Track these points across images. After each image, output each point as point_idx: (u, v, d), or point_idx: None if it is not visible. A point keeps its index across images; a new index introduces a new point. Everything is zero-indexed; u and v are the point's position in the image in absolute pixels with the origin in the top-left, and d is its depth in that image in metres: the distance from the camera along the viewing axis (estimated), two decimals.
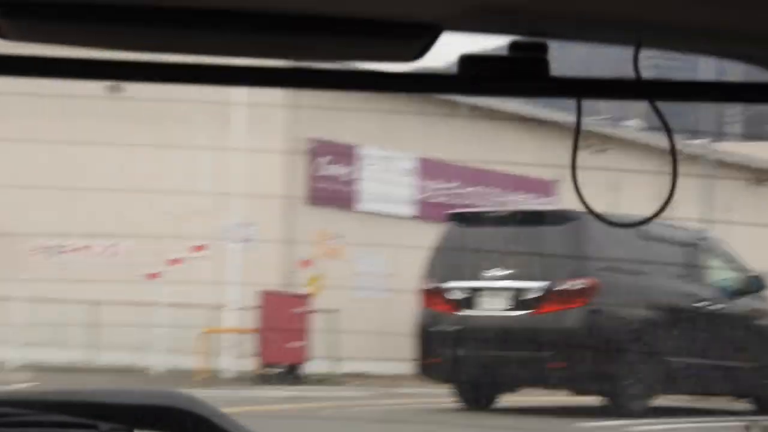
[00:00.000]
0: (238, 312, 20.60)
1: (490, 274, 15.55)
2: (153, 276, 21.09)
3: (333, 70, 1.20)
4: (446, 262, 15.65)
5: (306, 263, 21.59)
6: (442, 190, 23.60)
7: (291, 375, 19.60)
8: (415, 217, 22.79)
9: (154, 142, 19.99)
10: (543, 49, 1.23)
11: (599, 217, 1.43)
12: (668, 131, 1.36)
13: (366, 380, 20.37)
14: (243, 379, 19.54)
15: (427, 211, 22.27)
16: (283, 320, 19.49)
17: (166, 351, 20.29)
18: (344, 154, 22.27)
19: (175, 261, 21.41)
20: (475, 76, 1.22)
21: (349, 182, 22.45)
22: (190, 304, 20.19)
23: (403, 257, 20.39)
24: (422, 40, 1.21)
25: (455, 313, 15.53)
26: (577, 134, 1.35)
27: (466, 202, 22.20)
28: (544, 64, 1.22)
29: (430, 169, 23.40)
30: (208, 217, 21.16)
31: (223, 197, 20.68)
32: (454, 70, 1.21)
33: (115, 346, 20.81)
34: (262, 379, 19.36)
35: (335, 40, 1.20)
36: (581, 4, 1.20)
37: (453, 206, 19.11)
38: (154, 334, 20.43)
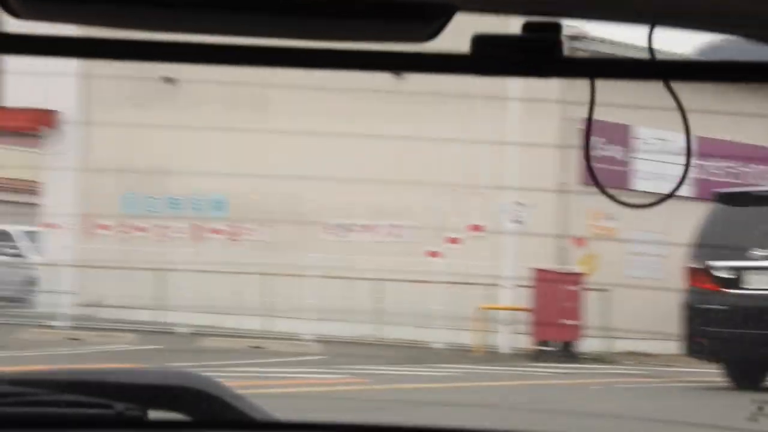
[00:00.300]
0: (513, 290, 21.13)
1: (758, 254, 15.51)
2: (433, 254, 21.96)
3: (343, 50, 1.20)
4: (713, 240, 15.71)
5: (579, 241, 21.91)
6: (719, 170, 23.38)
7: (565, 352, 19.97)
8: (690, 198, 22.73)
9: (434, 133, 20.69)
10: (557, 29, 1.22)
11: (612, 197, 1.41)
12: (682, 111, 1.35)
13: (639, 359, 20.55)
14: (519, 356, 20.08)
15: (703, 191, 22.18)
16: (556, 298, 19.89)
17: (446, 327, 21.01)
18: (618, 134, 22.42)
19: (454, 240, 22.23)
20: (487, 56, 1.21)
21: (623, 162, 22.59)
22: (467, 281, 20.86)
23: (677, 237, 20.44)
24: (436, 20, 1.21)
25: (722, 291, 15.57)
26: (590, 115, 1.35)
27: (743, 181, 21.94)
28: (557, 44, 1.21)
29: (707, 148, 23.24)
30: (485, 198, 21.84)
31: (498, 178, 21.24)
32: (467, 50, 1.21)
33: (399, 321, 21.71)
34: (537, 356, 19.83)
35: (348, 22, 1.20)
36: None
37: (728, 185, 19.00)
38: (434, 310, 21.19)
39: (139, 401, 1.89)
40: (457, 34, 1.35)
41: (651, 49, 1.27)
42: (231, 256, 23.09)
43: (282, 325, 21.69)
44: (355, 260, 21.75)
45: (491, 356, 19.94)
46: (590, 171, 1.35)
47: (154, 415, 1.91)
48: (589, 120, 1.36)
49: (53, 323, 22.44)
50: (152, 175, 24.20)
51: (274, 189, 22.81)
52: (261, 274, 22.34)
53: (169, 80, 23.57)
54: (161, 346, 20.05)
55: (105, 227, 25.14)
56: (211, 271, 22.15)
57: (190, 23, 1.20)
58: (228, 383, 2.01)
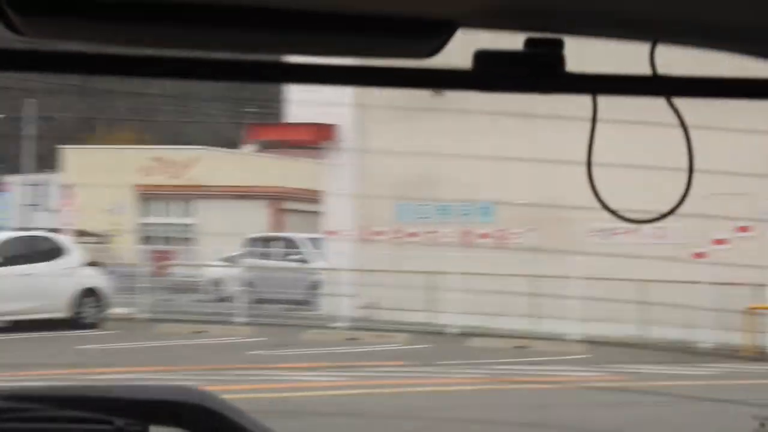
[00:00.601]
0: None
1: None
2: (699, 256, 21.93)
3: (346, 66, 1.20)
4: None
5: None
6: None
7: None
8: None
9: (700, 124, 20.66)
10: (559, 45, 1.22)
11: (614, 213, 1.42)
12: (684, 128, 1.34)
13: None
14: None
15: None
16: None
17: (713, 327, 20.90)
18: None
19: (721, 241, 22.14)
20: (490, 72, 1.21)
21: None
22: (735, 282, 20.70)
23: None
24: (437, 37, 1.21)
25: None
26: (593, 130, 1.35)
27: None
28: (559, 60, 1.22)
29: None
30: (752, 199, 21.64)
31: (765, 179, 20.97)
32: (469, 65, 1.22)
33: (664, 322, 21.72)
34: None
35: (350, 37, 1.20)
36: (597, 1, 1.19)
37: None
38: (701, 311, 21.10)
39: (139, 417, 1.89)
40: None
41: (653, 66, 1.27)
42: (498, 259, 23.72)
43: (548, 326, 22.13)
44: (620, 263, 21.93)
45: (760, 356, 19.76)
46: (593, 187, 1.37)
47: (154, 430, 1.92)
48: (592, 136, 1.36)
49: (334, 324, 23.74)
50: (423, 183, 25.16)
51: (539, 194, 23.33)
52: (527, 276, 22.85)
53: (436, 92, 24.44)
54: (431, 345, 20.95)
55: (380, 234, 26.27)
56: (480, 274, 22.78)
57: (196, 40, 1.21)
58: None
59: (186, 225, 44.45)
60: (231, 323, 24.23)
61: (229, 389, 12.58)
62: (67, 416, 1.89)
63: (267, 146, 35.02)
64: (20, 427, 1.88)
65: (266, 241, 33.88)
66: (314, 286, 28.29)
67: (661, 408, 13.16)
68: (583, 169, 1.39)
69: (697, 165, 1.27)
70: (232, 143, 50.60)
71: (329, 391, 14.19)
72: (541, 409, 12.79)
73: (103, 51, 1.19)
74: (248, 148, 44.32)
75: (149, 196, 45.54)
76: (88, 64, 1.18)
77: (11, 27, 1.18)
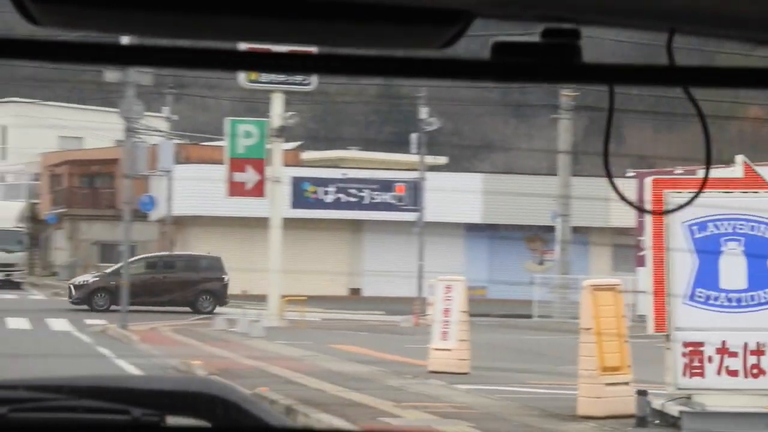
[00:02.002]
0: None
1: None
2: None
3: (363, 56, 1.19)
4: None
5: None
6: None
7: None
8: None
9: None
10: (575, 35, 1.21)
11: (632, 204, 1.48)
12: (702, 118, 1.33)
13: None
14: None
15: None
16: None
17: None
18: None
19: None
20: (507, 63, 1.20)
21: None
22: None
23: None
24: (454, 27, 1.21)
25: None
26: (610, 121, 1.34)
27: None
28: (576, 50, 1.21)
29: None
30: None
31: None
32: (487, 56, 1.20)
33: None
34: None
35: (367, 27, 1.19)
36: None
37: None
38: None
39: (156, 407, 1.89)
40: None
41: (670, 55, 1.26)
42: None
43: None
44: None
45: None
46: (610, 179, 1.37)
47: (171, 420, 1.91)
48: (609, 126, 1.34)
49: None
50: None
51: None
52: None
53: None
54: None
55: None
56: None
57: (207, 30, 1.19)
58: None
59: None
60: None
61: None
62: (84, 406, 1.88)
63: None
64: (38, 416, 1.87)
65: None
66: None
67: None
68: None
69: None
70: None
71: None
72: None
73: (118, 41, 1.18)
74: None
75: None
76: (105, 53, 1.16)
77: (28, 16, 1.17)
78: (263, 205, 31.51)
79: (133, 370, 17.14)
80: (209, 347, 21.39)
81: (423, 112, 41.00)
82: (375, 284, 45.39)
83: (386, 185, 46.38)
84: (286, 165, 48.74)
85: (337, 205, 46.39)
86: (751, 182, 10.84)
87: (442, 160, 68.38)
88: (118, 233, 56.40)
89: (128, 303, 33.41)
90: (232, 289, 44.88)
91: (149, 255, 42.39)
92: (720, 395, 10.65)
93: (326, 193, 46.55)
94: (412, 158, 69.71)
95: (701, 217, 10.69)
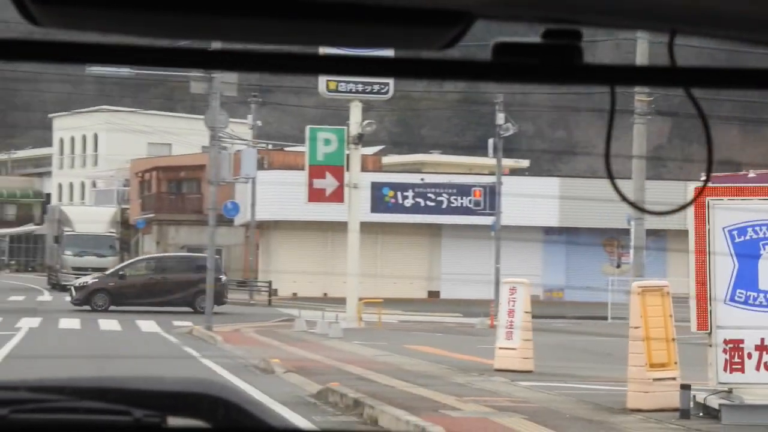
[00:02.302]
0: None
1: None
2: None
3: (365, 56, 1.19)
4: None
5: None
6: None
7: None
8: None
9: None
10: (577, 36, 1.21)
11: (633, 204, 1.46)
12: (703, 119, 1.32)
13: None
14: None
15: None
16: None
17: None
18: None
19: None
20: (508, 63, 1.20)
21: None
22: None
23: None
24: (455, 28, 1.21)
25: None
26: (611, 123, 1.33)
27: None
28: (577, 51, 1.21)
29: None
30: None
31: None
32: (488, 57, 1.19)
33: None
34: None
35: (368, 28, 1.20)
36: None
37: None
38: None
39: (157, 408, 1.89)
40: None
41: (672, 56, 1.25)
42: None
43: None
44: None
45: None
46: (612, 180, 1.38)
47: (172, 422, 1.91)
48: (610, 127, 1.35)
49: None
50: None
51: None
52: None
53: None
54: None
55: None
56: None
57: (209, 30, 1.19)
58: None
59: None
60: None
61: None
62: (85, 407, 1.88)
63: None
64: (39, 418, 1.87)
65: None
66: None
67: None
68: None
69: None
70: None
71: None
72: None
73: (120, 41, 1.18)
74: None
75: None
76: (105, 54, 1.17)
77: (28, 17, 1.18)
78: (342, 210, 32.46)
79: (218, 368, 18.13)
80: (289, 347, 22.35)
81: (500, 117, 41.63)
82: (453, 287, 46.12)
83: (464, 190, 47.13)
84: (367, 170, 49.89)
85: (415, 209, 47.27)
86: None
87: (524, 163, 68.70)
88: (204, 237, 57.95)
89: (127, 303, 35.30)
90: (313, 292, 46.06)
91: (148, 256, 44.03)
92: (758, 389, 11.34)
93: (405, 197, 47.44)
94: (493, 162, 70.16)
95: (741, 222, 11.39)
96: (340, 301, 33.89)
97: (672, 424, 11.33)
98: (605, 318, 37.49)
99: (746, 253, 11.33)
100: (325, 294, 44.90)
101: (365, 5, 1.17)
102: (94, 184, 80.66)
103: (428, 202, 47.43)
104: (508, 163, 72.23)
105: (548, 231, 48.43)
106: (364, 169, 53.16)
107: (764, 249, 11.43)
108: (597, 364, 19.35)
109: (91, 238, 52.23)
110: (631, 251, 40.04)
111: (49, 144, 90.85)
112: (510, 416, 11.78)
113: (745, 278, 11.40)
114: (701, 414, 11.62)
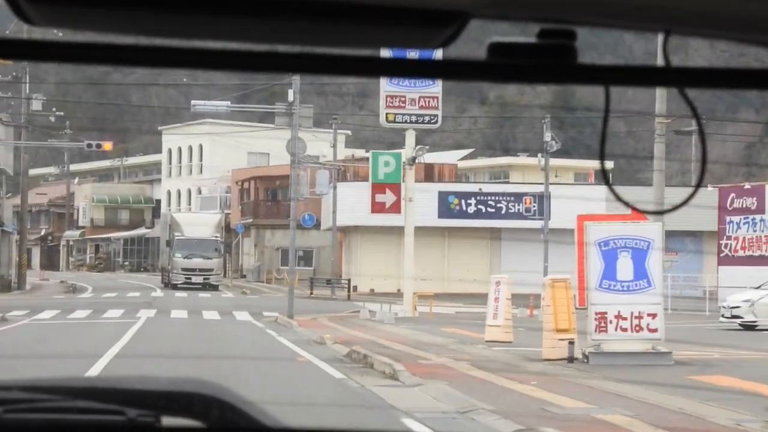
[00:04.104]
0: None
1: None
2: None
3: (360, 56, 1.21)
4: None
5: None
6: None
7: None
8: None
9: None
10: (571, 36, 1.23)
11: (628, 204, 1.48)
12: (697, 118, 1.37)
13: None
14: None
15: None
16: None
17: None
18: None
19: None
20: (503, 63, 1.22)
21: None
22: None
23: None
24: (450, 27, 1.22)
25: None
26: (606, 122, 1.35)
27: None
28: (572, 51, 1.23)
29: None
30: None
31: None
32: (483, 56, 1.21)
33: None
34: None
35: (363, 27, 1.20)
36: None
37: None
38: None
39: (151, 408, 1.89)
40: None
41: (666, 56, 1.27)
42: None
43: None
44: None
45: None
46: (606, 179, 1.39)
47: (166, 421, 1.91)
48: (604, 127, 1.35)
49: None
50: None
51: None
52: None
53: None
54: None
55: None
56: None
57: (204, 29, 1.19)
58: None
59: None
60: None
61: None
62: (79, 407, 1.89)
63: None
64: (32, 417, 1.88)
65: None
66: None
67: None
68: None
69: None
70: None
71: None
72: None
73: (115, 41, 1.19)
74: None
75: None
76: (101, 54, 1.18)
77: (23, 16, 1.20)
78: (412, 216, 38.37)
79: (284, 341, 24.73)
80: (347, 329, 28.76)
81: (546, 135, 47.82)
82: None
83: (518, 197, 53.43)
84: (443, 179, 56.13)
85: (477, 215, 53.71)
86: (635, 217, 17.81)
87: (608, 164, 73.85)
88: (297, 240, 65.02)
89: None
90: (388, 288, 52.52)
91: None
92: (615, 343, 17.64)
93: (468, 204, 53.90)
94: (579, 164, 74.76)
95: (606, 237, 17.70)
96: (422, 297, 40.13)
97: (561, 366, 17.68)
98: None
99: (609, 257, 17.67)
100: (398, 290, 51.38)
101: (360, 5, 1.19)
102: (199, 191, 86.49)
103: (488, 209, 53.82)
104: (588, 164, 77.14)
105: None
106: (440, 177, 59.44)
107: (620, 255, 17.73)
108: None
109: (198, 242, 56.89)
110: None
111: (156, 149, 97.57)
112: (460, 363, 18.23)
113: (608, 273, 17.70)
114: (581, 359, 17.96)
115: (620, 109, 54.01)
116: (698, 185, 1.36)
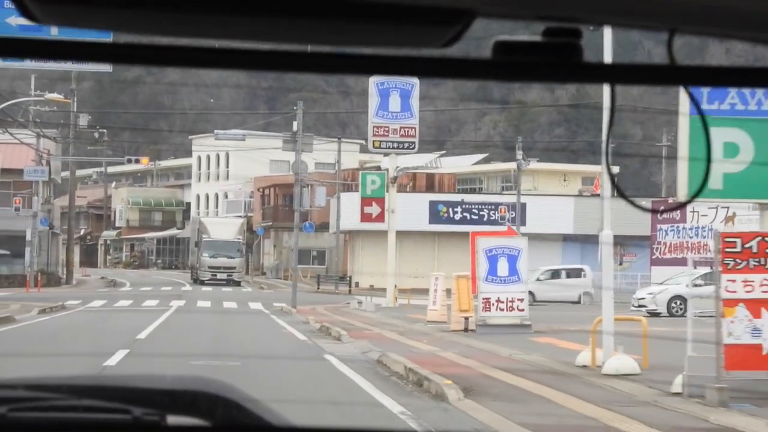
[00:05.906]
0: None
1: None
2: None
3: (365, 54, 1.21)
4: None
5: None
6: None
7: None
8: None
9: None
10: (577, 34, 1.24)
11: (631, 202, 1.46)
12: (702, 117, 2.41)
13: None
14: None
15: None
16: None
17: None
18: None
19: None
20: (508, 62, 1.22)
21: None
22: None
23: None
24: (455, 26, 1.23)
25: None
26: (611, 120, 1.40)
27: None
28: (577, 49, 1.23)
29: None
30: None
31: None
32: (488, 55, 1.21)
33: None
34: None
35: (368, 26, 1.21)
36: None
37: None
38: None
39: (156, 406, 1.90)
40: None
41: (671, 54, 1.27)
42: None
43: None
44: None
45: None
46: (610, 176, 1.99)
47: (172, 420, 1.93)
48: (610, 125, 1.40)
49: None
50: None
51: None
52: None
53: None
54: None
55: None
56: None
57: (209, 28, 1.20)
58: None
59: None
60: None
61: None
62: (84, 405, 1.89)
63: None
64: (38, 416, 1.89)
65: None
66: None
67: None
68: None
69: None
70: None
71: None
72: None
73: (121, 40, 1.20)
74: None
75: None
76: (101, 53, 1.19)
77: (28, 15, 1.20)
78: (408, 221, 46.07)
79: (280, 322, 32.86)
80: (334, 315, 36.55)
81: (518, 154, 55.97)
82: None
83: (495, 206, 61.66)
84: (443, 189, 63.79)
85: (462, 221, 61.90)
86: (510, 233, 26.02)
87: (614, 169, 79.39)
88: (311, 241, 73.48)
89: None
90: (386, 284, 60.66)
91: None
92: (495, 319, 25.81)
93: (455, 212, 62.12)
94: (586, 168, 79.75)
95: (491, 247, 25.88)
96: (403, 291, 48.12)
97: (458, 334, 25.81)
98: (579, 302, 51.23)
99: (492, 260, 25.88)
100: (395, 286, 59.50)
101: (365, 3, 1.19)
102: (226, 196, 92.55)
103: (472, 216, 62.02)
104: (596, 169, 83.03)
105: (567, 237, 62.51)
106: (440, 188, 66.87)
107: (499, 258, 25.89)
108: None
109: (223, 243, 63.78)
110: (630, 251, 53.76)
111: (187, 152, 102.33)
112: (391, 333, 26.40)
113: (492, 271, 25.86)
114: (473, 330, 26.12)
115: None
116: (703, 185, 1.64)
